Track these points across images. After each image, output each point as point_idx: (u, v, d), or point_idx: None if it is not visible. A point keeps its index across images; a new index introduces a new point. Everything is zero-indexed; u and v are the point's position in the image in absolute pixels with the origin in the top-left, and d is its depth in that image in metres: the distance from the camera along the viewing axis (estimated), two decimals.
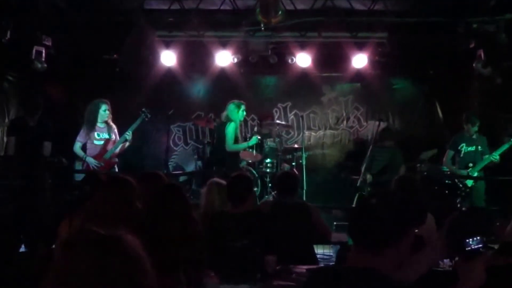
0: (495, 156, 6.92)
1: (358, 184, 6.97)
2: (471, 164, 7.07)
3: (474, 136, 7.13)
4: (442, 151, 7.60)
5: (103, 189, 3.15)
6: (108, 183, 3.21)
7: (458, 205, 6.89)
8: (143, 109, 7.18)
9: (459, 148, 7.19)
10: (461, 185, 7.02)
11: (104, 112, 6.90)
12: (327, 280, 1.81)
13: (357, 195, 7.19)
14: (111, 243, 1.29)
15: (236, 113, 7.40)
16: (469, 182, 7.06)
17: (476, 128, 7.11)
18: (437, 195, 6.92)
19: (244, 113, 7.40)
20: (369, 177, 7.40)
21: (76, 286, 1.21)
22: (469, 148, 7.13)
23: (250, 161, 7.80)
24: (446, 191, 7.06)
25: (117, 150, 7.00)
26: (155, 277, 1.35)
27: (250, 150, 7.75)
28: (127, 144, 7.07)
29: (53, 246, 3.39)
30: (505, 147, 6.91)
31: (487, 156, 7.01)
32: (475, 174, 7.08)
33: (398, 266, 1.86)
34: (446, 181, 7.15)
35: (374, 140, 7.63)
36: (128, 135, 6.96)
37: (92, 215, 2.95)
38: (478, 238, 1.82)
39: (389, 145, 7.56)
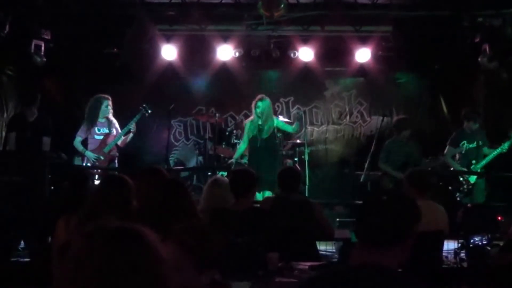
0: (505, 147, 6.77)
1: (361, 180, 6.84)
2: (474, 161, 6.97)
3: (473, 131, 7.00)
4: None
5: (100, 188, 3.11)
6: (105, 182, 3.17)
7: (458, 199, 6.80)
8: (144, 105, 7.10)
9: (460, 145, 7.04)
10: (463, 182, 6.93)
11: (106, 108, 6.89)
12: (336, 279, 1.76)
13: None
14: (129, 235, 1.28)
15: (255, 108, 6.86)
16: (472, 179, 6.97)
17: (477, 125, 6.98)
18: (441, 191, 6.82)
19: (260, 105, 6.87)
20: (387, 181, 7.03)
21: (93, 278, 1.20)
22: (471, 145, 7.00)
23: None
24: (449, 187, 6.95)
25: (119, 142, 6.96)
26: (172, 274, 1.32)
27: (224, 146, 7.86)
28: (131, 135, 6.99)
29: (49, 242, 3.34)
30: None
31: (496, 150, 6.86)
32: (478, 170, 6.98)
33: (400, 265, 1.83)
34: (449, 177, 7.04)
35: (384, 134, 7.39)
36: (132, 126, 6.90)
37: (89, 214, 2.92)
38: (483, 235, 1.76)
39: (405, 138, 7.18)
